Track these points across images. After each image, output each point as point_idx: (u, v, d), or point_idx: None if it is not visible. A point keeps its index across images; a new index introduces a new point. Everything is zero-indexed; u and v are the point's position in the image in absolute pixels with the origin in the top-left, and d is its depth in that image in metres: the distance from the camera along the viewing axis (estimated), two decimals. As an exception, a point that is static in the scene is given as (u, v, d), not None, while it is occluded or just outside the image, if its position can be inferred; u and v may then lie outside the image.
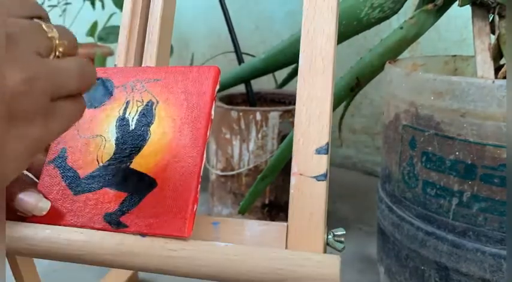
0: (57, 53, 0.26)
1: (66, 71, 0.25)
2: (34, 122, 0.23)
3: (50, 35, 0.25)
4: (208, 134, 0.36)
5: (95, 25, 1.24)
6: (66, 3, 1.38)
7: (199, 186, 0.35)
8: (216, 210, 1.00)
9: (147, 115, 0.37)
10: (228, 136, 0.92)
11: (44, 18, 0.27)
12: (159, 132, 0.36)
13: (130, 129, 0.37)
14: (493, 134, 0.48)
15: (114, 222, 0.35)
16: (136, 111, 0.38)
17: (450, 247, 0.53)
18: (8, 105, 0.21)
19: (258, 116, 0.89)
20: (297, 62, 0.36)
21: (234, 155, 0.93)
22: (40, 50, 0.24)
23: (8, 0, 0.25)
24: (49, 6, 1.38)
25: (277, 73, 1.07)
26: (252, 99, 1.02)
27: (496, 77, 0.58)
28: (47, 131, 0.24)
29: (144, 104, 0.38)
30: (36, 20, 0.26)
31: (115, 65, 0.42)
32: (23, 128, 0.22)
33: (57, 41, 0.26)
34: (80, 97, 0.28)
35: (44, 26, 0.25)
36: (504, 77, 0.59)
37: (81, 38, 1.28)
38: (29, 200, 0.35)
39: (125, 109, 0.38)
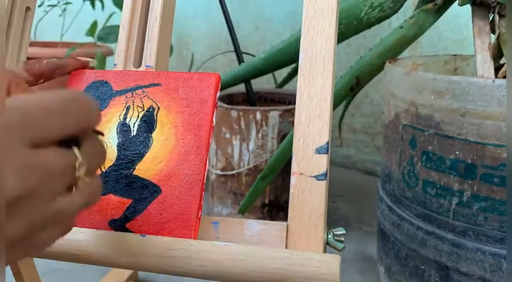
0: (73, 188, 0.25)
1: (68, 212, 0.24)
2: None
3: (77, 175, 0.24)
4: (210, 141, 0.36)
5: (94, 25, 1.23)
6: (66, 3, 1.38)
7: (203, 193, 0.35)
8: (216, 210, 1.00)
9: (148, 121, 0.37)
10: (228, 136, 0.92)
11: (93, 131, 0.26)
12: (161, 139, 0.36)
13: (132, 135, 0.37)
14: (493, 134, 0.48)
15: (120, 229, 0.35)
16: (138, 116, 0.37)
17: (450, 247, 0.53)
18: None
19: (258, 116, 0.89)
20: (297, 61, 0.36)
21: (234, 155, 0.93)
22: (55, 193, 0.23)
23: (58, 106, 0.23)
24: (49, 6, 1.38)
25: (277, 73, 1.07)
26: (252, 98, 1.02)
27: (496, 77, 0.58)
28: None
29: (145, 109, 0.37)
30: (74, 152, 0.24)
31: (115, 64, 0.42)
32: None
33: (81, 180, 0.25)
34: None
35: (77, 163, 0.24)
36: (504, 77, 0.58)
37: (81, 38, 1.28)
38: None
39: (126, 114, 0.38)
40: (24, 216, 0.22)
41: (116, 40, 0.48)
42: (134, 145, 0.37)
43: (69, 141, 0.24)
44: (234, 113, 0.90)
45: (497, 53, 0.60)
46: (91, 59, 0.41)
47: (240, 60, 1.02)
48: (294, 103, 0.36)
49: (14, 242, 0.22)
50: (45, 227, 0.23)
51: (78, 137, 0.25)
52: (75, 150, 0.24)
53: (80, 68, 0.40)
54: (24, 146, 0.21)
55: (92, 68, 0.46)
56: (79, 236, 0.34)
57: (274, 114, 0.89)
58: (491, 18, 0.60)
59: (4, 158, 0.20)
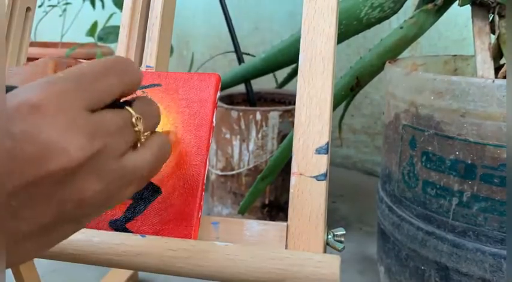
0: (138, 144, 0.26)
1: (141, 167, 0.25)
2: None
3: (136, 129, 0.25)
4: (210, 141, 0.36)
5: (94, 25, 1.24)
6: (66, 3, 1.38)
7: (203, 193, 0.35)
8: (216, 210, 1.00)
9: None
10: (228, 136, 0.92)
11: (135, 93, 0.27)
12: None
13: None
14: (493, 134, 0.48)
15: (120, 229, 0.35)
16: None
17: (450, 247, 0.53)
18: (82, 212, 0.23)
19: (258, 116, 0.89)
20: (297, 62, 0.36)
21: (234, 155, 0.93)
22: (122, 150, 0.24)
23: (105, 76, 0.24)
24: (49, 6, 1.38)
25: (277, 73, 1.07)
26: (252, 99, 1.03)
27: (496, 77, 0.58)
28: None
29: None
30: (127, 109, 0.25)
31: (115, 64, 0.42)
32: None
33: (142, 134, 0.26)
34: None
35: (134, 119, 0.25)
36: (504, 77, 0.59)
37: (81, 38, 1.28)
38: None
39: None
40: (98, 175, 0.22)
41: (116, 40, 0.48)
42: None
43: (121, 103, 0.25)
44: (234, 114, 0.90)
45: (497, 53, 0.61)
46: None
47: (240, 60, 1.02)
48: (294, 103, 0.36)
49: (94, 201, 0.23)
50: (122, 184, 0.24)
51: (129, 99, 0.26)
52: (128, 108, 0.25)
53: None
54: (83, 111, 0.22)
55: None
56: (79, 236, 0.34)
57: (274, 115, 0.89)
58: (491, 18, 0.60)
59: (67, 123, 0.21)
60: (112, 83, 0.24)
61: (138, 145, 0.26)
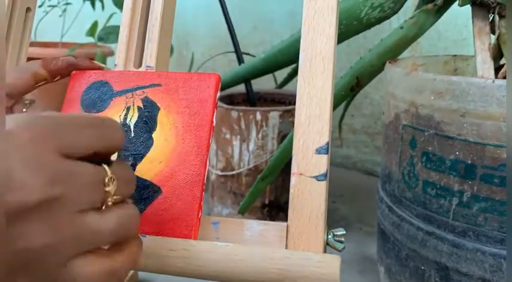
0: (103, 207, 0.24)
1: (100, 232, 0.23)
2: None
3: (107, 190, 0.24)
4: (210, 141, 0.36)
5: (95, 25, 1.24)
6: (66, 3, 1.38)
7: (203, 193, 0.35)
8: (216, 210, 1.00)
9: (148, 122, 0.37)
10: (228, 136, 0.92)
11: (119, 149, 0.26)
12: (161, 140, 0.36)
13: (132, 135, 0.37)
14: (493, 134, 0.48)
15: None
16: (138, 117, 0.37)
17: (450, 247, 0.53)
18: (27, 260, 0.21)
19: (258, 116, 0.89)
20: (297, 62, 0.36)
21: (234, 155, 0.93)
22: (84, 206, 0.22)
23: (77, 126, 0.23)
24: (49, 6, 1.38)
25: (277, 73, 1.07)
26: (252, 99, 1.03)
27: (496, 77, 0.58)
28: None
29: (146, 110, 0.37)
30: (103, 167, 0.24)
31: (115, 64, 0.42)
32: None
33: (111, 196, 0.24)
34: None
35: (107, 178, 0.24)
36: (504, 77, 0.59)
37: (81, 38, 1.28)
38: None
39: (126, 115, 0.38)
40: (51, 226, 0.21)
41: (116, 40, 0.48)
42: (134, 146, 0.37)
43: (99, 160, 0.24)
44: (234, 114, 0.90)
45: (497, 54, 0.60)
46: (104, 65, 0.41)
47: (240, 60, 1.02)
48: (294, 103, 0.36)
49: (40, 256, 0.21)
50: (76, 247, 0.22)
51: (108, 158, 0.25)
52: (105, 166, 0.24)
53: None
54: (54, 153, 0.21)
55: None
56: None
57: (274, 115, 0.89)
58: (491, 18, 0.60)
59: (33, 159, 0.20)
60: (92, 137, 0.24)
61: (103, 207, 0.24)
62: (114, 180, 0.24)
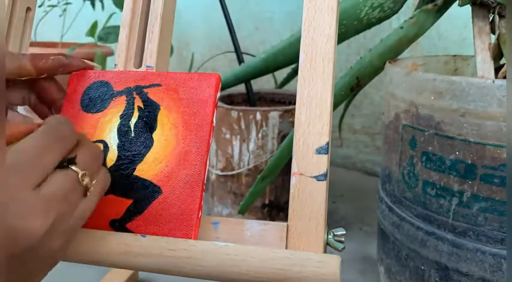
0: (87, 194, 0.29)
1: (89, 208, 0.29)
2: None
3: (84, 184, 0.28)
4: (210, 141, 0.36)
5: (94, 25, 1.23)
6: (66, 3, 1.38)
7: (203, 193, 0.35)
8: (216, 210, 1.00)
9: (148, 122, 0.37)
10: (228, 136, 0.92)
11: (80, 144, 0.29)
12: (162, 140, 0.36)
13: (133, 135, 0.37)
14: (493, 134, 0.48)
15: (120, 229, 0.35)
16: (138, 117, 0.37)
17: (450, 247, 0.53)
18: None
19: (258, 116, 0.89)
20: (297, 62, 0.36)
21: (234, 155, 0.93)
22: (74, 206, 0.27)
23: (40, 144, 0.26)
24: (49, 6, 1.38)
25: (277, 73, 1.07)
26: (252, 99, 1.03)
27: (496, 77, 0.58)
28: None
29: (146, 110, 0.37)
30: (72, 169, 0.27)
31: (115, 64, 0.42)
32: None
33: (90, 184, 0.29)
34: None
35: (79, 176, 0.27)
36: (504, 77, 0.59)
37: (81, 38, 1.28)
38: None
39: (126, 115, 0.38)
40: (60, 234, 0.25)
41: (116, 40, 0.48)
42: (135, 145, 0.37)
43: (64, 164, 0.27)
44: (234, 114, 0.90)
45: (497, 54, 0.60)
46: (97, 65, 0.41)
47: (240, 60, 1.02)
48: (294, 103, 0.36)
49: (56, 251, 0.26)
50: (77, 227, 0.28)
51: (71, 156, 0.28)
52: (73, 167, 0.27)
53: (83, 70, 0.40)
54: (29, 191, 0.24)
55: None
56: (79, 236, 0.34)
57: (274, 115, 0.89)
58: (491, 18, 0.60)
59: (20, 209, 0.23)
60: (54, 152, 0.26)
61: (88, 193, 0.29)
62: (86, 174, 0.28)
